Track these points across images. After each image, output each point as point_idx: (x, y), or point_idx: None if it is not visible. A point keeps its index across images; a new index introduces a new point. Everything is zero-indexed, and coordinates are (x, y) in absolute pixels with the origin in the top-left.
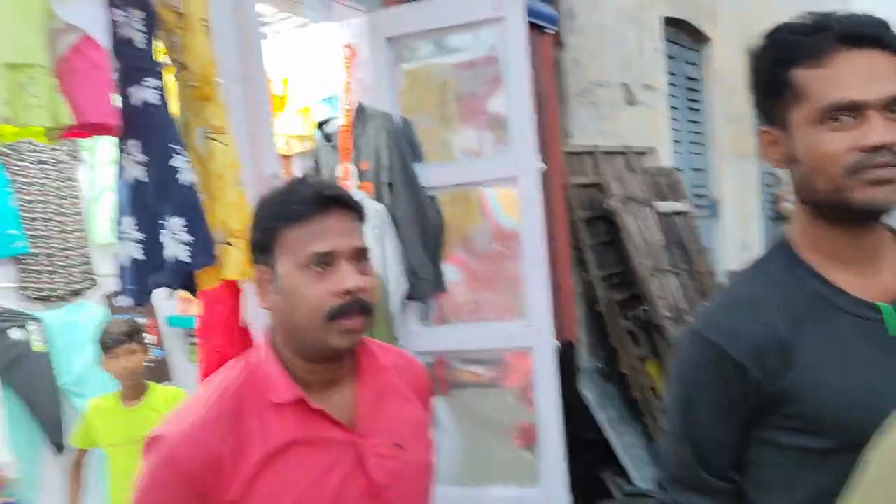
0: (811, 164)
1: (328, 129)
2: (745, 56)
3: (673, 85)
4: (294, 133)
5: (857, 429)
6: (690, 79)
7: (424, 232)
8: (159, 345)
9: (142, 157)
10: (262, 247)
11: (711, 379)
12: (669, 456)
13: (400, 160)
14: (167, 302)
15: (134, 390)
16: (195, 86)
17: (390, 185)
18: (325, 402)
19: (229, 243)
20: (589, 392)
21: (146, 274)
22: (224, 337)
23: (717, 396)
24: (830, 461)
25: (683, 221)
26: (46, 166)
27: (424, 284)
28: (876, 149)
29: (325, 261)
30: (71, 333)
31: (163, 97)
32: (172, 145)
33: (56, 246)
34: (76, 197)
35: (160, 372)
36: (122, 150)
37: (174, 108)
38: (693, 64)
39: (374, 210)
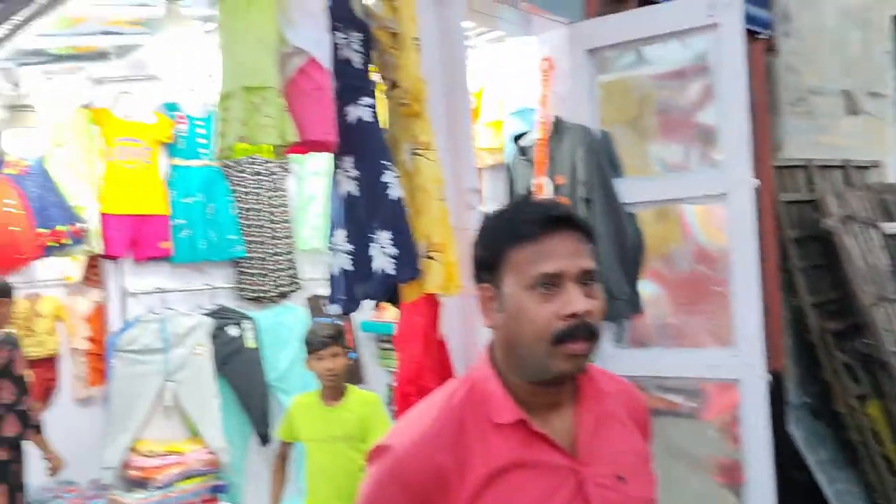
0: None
1: (523, 142)
2: None
3: None
4: (484, 146)
5: None
6: None
7: (622, 250)
8: (353, 348)
9: (354, 173)
10: (487, 265)
11: None
12: None
13: (598, 175)
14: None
15: (334, 391)
16: (406, 103)
17: (587, 200)
18: (546, 426)
19: (431, 257)
20: (797, 430)
21: (355, 284)
22: (421, 348)
23: None
24: None
25: None
26: (261, 177)
27: (620, 305)
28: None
29: (553, 282)
30: (278, 333)
31: (375, 115)
32: (383, 161)
33: (267, 251)
34: (285, 206)
35: (353, 374)
36: (336, 166)
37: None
38: None
39: None
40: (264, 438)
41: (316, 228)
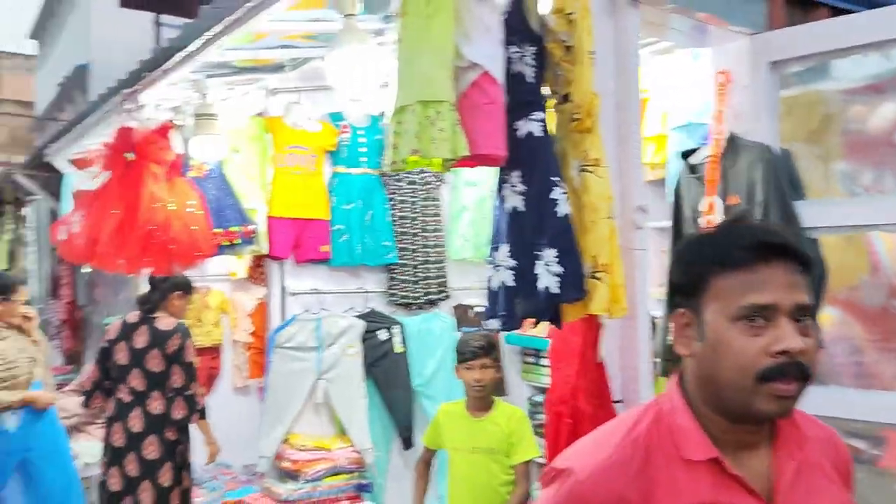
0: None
1: (693, 159)
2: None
3: None
4: (646, 160)
5: None
6: None
7: None
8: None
9: (521, 188)
10: (688, 289)
11: None
12: None
13: (777, 196)
14: None
15: (481, 402)
16: (577, 118)
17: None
18: (742, 468)
19: (597, 277)
20: None
21: (516, 301)
22: (576, 368)
23: None
24: None
25: None
26: (416, 186)
27: None
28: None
29: (764, 315)
30: (425, 339)
31: (545, 130)
32: (552, 178)
33: (419, 259)
34: (438, 215)
35: (497, 386)
36: (503, 180)
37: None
38: None
39: None
40: (407, 442)
41: (467, 238)
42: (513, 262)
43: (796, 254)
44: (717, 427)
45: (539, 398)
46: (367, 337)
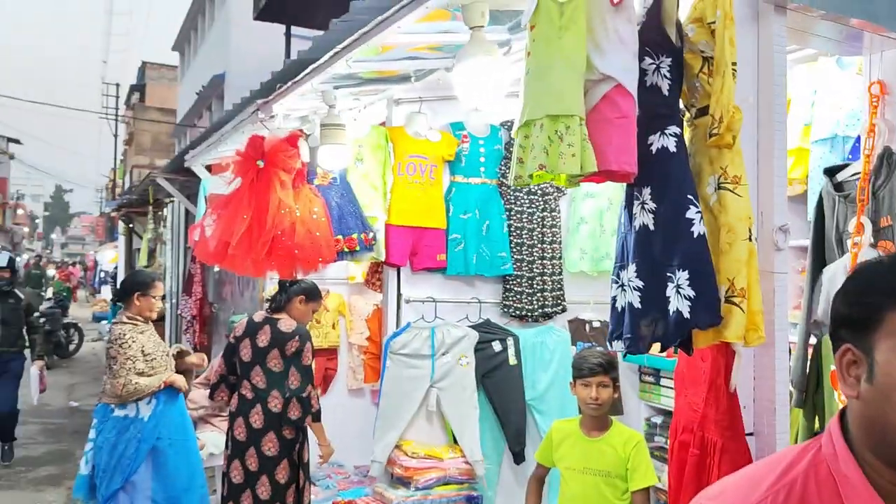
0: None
1: (840, 176)
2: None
3: None
4: None
5: None
6: None
7: None
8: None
9: (652, 205)
10: (858, 324)
11: None
12: None
13: None
14: None
15: (597, 422)
16: (716, 133)
17: None
18: None
19: (733, 302)
20: None
21: (642, 323)
22: (704, 396)
23: None
24: None
25: None
26: (534, 197)
27: None
28: None
29: None
30: (539, 353)
31: (681, 145)
32: (688, 196)
33: (535, 270)
34: (556, 227)
35: (613, 406)
36: (633, 197)
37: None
38: None
39: None
40: (519, 456)
41: (585, 251)
42: (640, 283)
43: None
44: (883, 478)
45: (658, 420)
46: (481, 347)
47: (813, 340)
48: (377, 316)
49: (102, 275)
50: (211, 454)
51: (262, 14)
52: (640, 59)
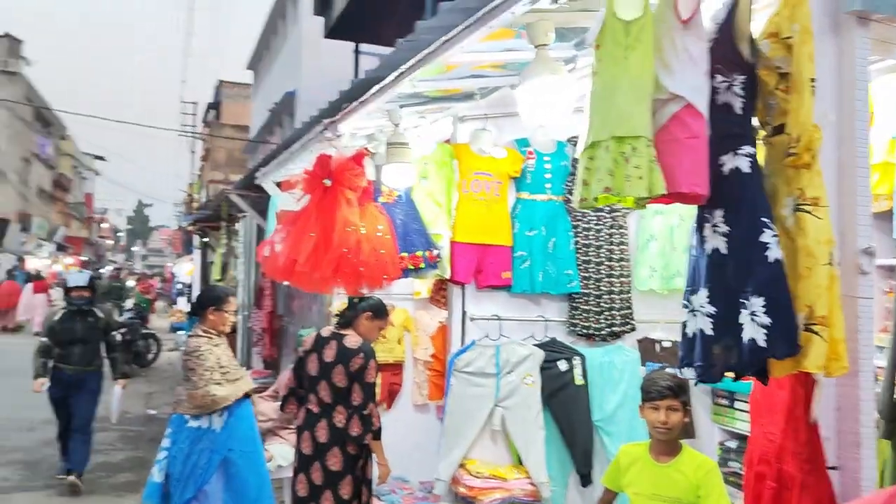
0: None
1: None
2: None
3: None
4: None
5: None
6: None
7: None
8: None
9: (724, 228)
10: None
11: None
12: None
13: None
14: None
15: (667, 446)
16: (794, 152)
17: None
18: None
19: (813, 330)
20: None
21: (714, 351)
22: (781, 426)
23: None
24: None
25: None
26: (602, 214)
27: None
28: None
29: None
30: (607, 373)
31: (754, 165)
32: (762, 218)
33: (603, 289)
34: (625, 244)
35: (684, 430)
36: (704, 219)
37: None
38: None
39: None
40: (585, 478)
41: (654, 269)
42: (712, 309)
43: None
44: None
45: (732, 444)
46: (546, 367)
47: None
48: (442, 333)
49: (179, 286)
50: (279, 466)
51: (332, 32)
52: (711, 77)
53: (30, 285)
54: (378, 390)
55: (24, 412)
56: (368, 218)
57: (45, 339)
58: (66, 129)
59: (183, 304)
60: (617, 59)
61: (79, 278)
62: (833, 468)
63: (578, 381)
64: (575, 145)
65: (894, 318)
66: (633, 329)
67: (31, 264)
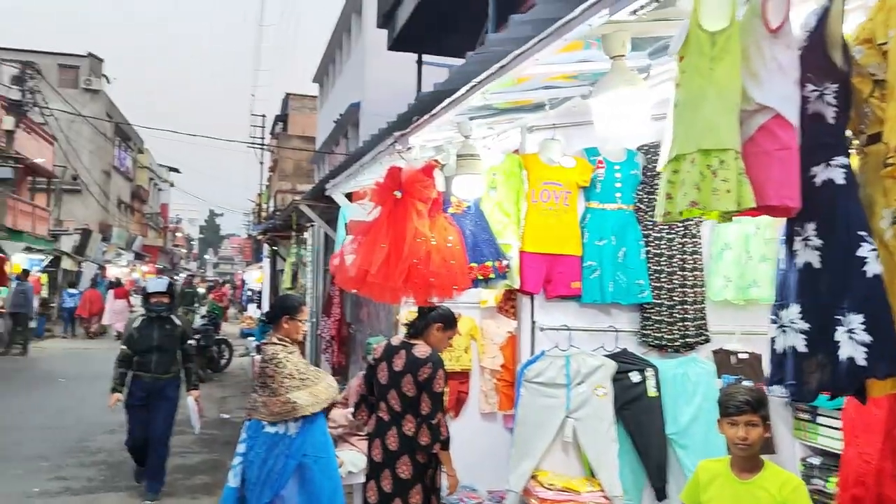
0: None
1: None
2: None
3: None
4: None
5: None
6: None
7: None
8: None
9: (817, 242)
10: None
11: None
12: None
13: None
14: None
15: (748, 462)
16: (892, 163)
17: None
18: None
19: None
20: None
21: (806, 368)
22: (878, 447)
23: None
24: None
25: None
26: (673, 222)
27: None
28: None
29: None
30: (681, 385)
31: (849, 176)
32: (859, 232)
33: (676, 299)
34: (698, 253)
35: (764, 445)
36: (794, 233)
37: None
38: None
39: None
40: (660, 493)
41: (729, 279)
42: (805, 326)
43: None
44: None
45: (815, 461)
46: (618, 378)
47: None
48: (511, 343)
49: (249, 293)
50: (349, 472)
51: (395, 44)
52: (802, 86)
53: (111, 292)
54: (445, 399)
55: (108, 415)
56: (438, 229)
57: (124, 348)
58: (144, 142)
59: (253, 311)
60: (702, 70)
61: (158, 284)
62: None
63: (651, 392)
64: (645, 154)
65: None
66: (707, 340)
67: (111, 272)
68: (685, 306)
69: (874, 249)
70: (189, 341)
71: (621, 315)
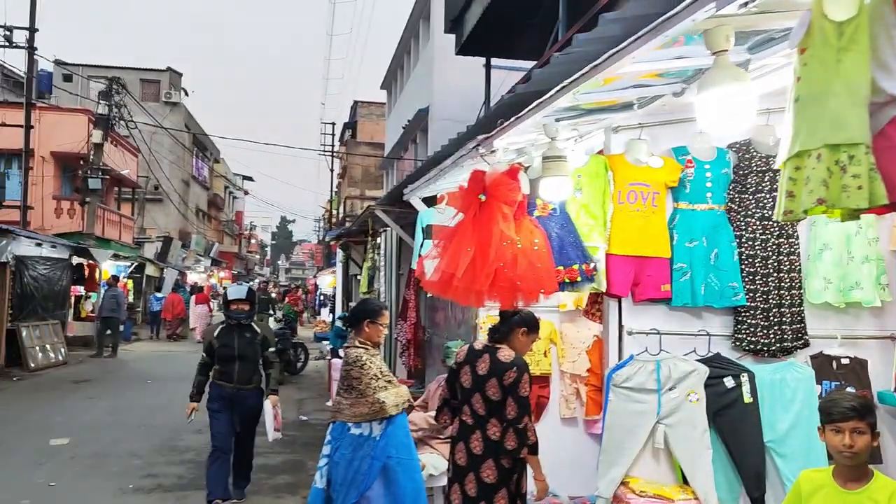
0: None
1: None
2: None
3: None
4: None
5: None
6: None
7: None
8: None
9: None
10: None
11: None
12: None
13: None
14: (883, 373)
15: (854, 472)
16: None
17: None
18: None
19: None
20: None
21: None
22: None
23: None
24: None
25: None
26: (767, 222)
27: None
28: None
29: None
30: (779, 391)
31: None
32: None
33: (772, 302)
34: (794, 254)
35: (872, 454)
36: None
37: None
38: None
39: None
40: (757, 502)
41: (829, 280)
42: None
43: None
44: None
45: None
46: (711, 383)
47: None
48: (598, 347)
49: (322, 298)
50: (430, 475)
51: (463, 49)
52: None
53: (193, 297)
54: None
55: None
56: (524, 232)
57: (204, 355)
58: (220, 152)
59: (325, 315)
60: (827, 62)
61: (238, 291)
62: None
63: (747, 398)
64: (737, 152)
65: None
66: (806, 345)
67: (191, 278)
68: (782, 309)
69: None
70: (270, 349)
71: (713, 318)
